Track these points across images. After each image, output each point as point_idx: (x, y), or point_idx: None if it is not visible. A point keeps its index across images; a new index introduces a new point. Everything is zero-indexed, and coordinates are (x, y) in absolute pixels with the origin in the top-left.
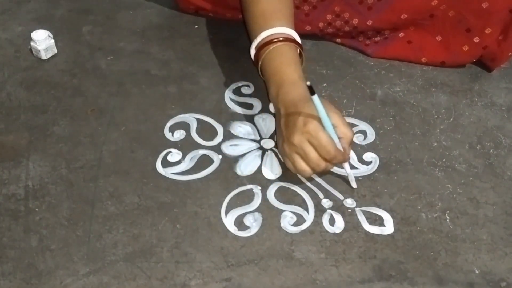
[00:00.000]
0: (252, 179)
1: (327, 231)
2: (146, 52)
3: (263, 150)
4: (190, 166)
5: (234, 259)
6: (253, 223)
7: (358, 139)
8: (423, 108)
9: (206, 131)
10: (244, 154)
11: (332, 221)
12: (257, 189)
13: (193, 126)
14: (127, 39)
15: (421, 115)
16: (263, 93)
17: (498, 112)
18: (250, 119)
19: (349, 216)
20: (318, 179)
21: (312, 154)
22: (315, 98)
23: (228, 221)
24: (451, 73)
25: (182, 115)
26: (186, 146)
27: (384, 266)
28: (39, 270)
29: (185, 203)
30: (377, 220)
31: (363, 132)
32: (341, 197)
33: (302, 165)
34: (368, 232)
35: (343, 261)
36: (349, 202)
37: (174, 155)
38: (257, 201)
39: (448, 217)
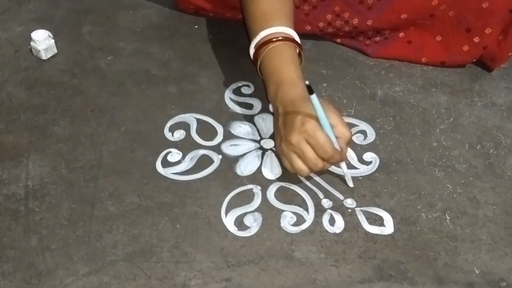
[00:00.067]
0: (252, 179)
1: (327, 231)
2: (146, 52)
3: (263, 150)
4: (190, 166)
5: (234, 259)
6: (253, 223)
7: (358, 139)
8: (423, 108)
9: (206, 131)
10: (244, 154)
11: (332, 221)
12: (257, 189)
13: (193, 126)
14: (127, 39)
15: (421, 115)
16: (263, 93)
17: (498, 112)
18: (250, 119)
19: (349, 216)
20: (318, 179)
21: (310, 153)
22: (314, 97)
23: (228, 221)
24: (451, 73)
25: (182, 115)
26: (186, 146)
27: (384, 266)
28: (39, 270)
29: (185, 203)
30: (377, 220)
31: (363, 132)
32: (341, 197)
33: (300, 164)
34: (368, 232)
35: (343, 261)
36: (349, 202)
37: (174, 155)
38: (257, 201)
39: (448, 217)
